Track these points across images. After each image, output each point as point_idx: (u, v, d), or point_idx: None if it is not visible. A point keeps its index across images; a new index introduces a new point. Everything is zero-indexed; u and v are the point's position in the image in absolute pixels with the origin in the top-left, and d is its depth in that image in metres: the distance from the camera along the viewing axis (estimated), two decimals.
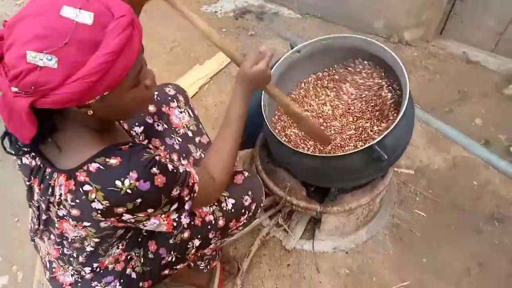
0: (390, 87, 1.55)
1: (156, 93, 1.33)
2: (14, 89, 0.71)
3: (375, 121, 1.49)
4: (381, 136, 1.27)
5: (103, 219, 0.87)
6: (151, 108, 1.31)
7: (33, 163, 0.93)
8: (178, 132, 1.34)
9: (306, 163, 1.36)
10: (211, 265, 1.39)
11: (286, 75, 1.56)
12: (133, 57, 0.76)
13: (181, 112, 1.36)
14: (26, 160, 0.95)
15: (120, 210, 0.85)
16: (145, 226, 0.96)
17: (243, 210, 1.20)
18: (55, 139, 0.85)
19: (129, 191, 0.82)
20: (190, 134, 1.36)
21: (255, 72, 1.06)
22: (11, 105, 0.72)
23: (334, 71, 1.66)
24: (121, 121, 1.18)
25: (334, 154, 1.37)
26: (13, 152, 0.89)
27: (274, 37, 2.71)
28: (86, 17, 0.70)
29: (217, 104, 2.32)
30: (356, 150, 1.31)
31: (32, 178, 0.94)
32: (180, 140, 1.33)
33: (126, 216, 0.87)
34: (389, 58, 1.45)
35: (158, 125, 1.31)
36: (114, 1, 0.76)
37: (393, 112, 1.49)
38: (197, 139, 1.37)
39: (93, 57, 0.70)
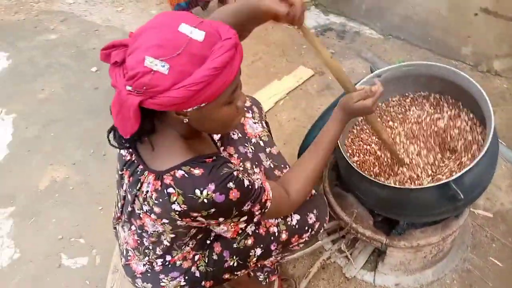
0: (473, 121, 1.48)
1: None
2: (128, 88, 0.82)
3: (455, 156, 1.43)
4: (459, 174, 1.22)
5: (179, 219, 0.96)
6: None
7: (128, 157, 1.05)
8: (251, 141, 1.41)
9: (376, 191, 1.35)
10: (269, 278, 1.44)
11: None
12: (232, 76, 0.85)
13: (255, 123, 1.44)
14: (124, 152, 1.08)
15: (195, 214, 0.94)
16: (214, 228, 1.05)
17: (306, 228, 1.24)
18: (151, 140, 0.96)
19: (205, 200, 0.91)
20: (261, 143, 1.42)
21: (360, 107, 1.14)
22: (122, 102, 0.84)
23: (413, 98, 1.62)
24: None
25: (406, 186, 1.33)
26: (116, 145, 1.02)
27: (354, 56, 2.70)
28: (198, 35, 0.81)
29: (290, 120, 2.36)
30: (430, 185, 1.27)
31: (125, 169, 1.07)
32: (253, 148, 1.39)
33: (200, 219, 0.97)
34: (475, 90, 1.39)
35: (233, 134, 1.39)
36: (223, 26, 0.87)
37: (475, 148, 1.42)
38: (267, 149, 1.42)
39: (199, 69, 0.80)
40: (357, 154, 1.54)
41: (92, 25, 3.27)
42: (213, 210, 0.93)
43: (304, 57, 2.73)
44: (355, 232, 1.54)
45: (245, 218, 1.01)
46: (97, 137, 2.40)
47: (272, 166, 1.38)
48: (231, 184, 0.93)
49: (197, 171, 0.92)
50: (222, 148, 1.38)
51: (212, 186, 0.91)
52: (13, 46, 3.13)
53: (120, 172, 1.10)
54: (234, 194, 0.93)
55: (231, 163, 0.98)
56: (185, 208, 0.92)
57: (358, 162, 1.51)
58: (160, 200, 0.95)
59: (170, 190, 0.92)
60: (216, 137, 1.37)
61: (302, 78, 2.58)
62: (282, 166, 1.40)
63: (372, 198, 1.39)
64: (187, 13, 0.88)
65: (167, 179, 0.93)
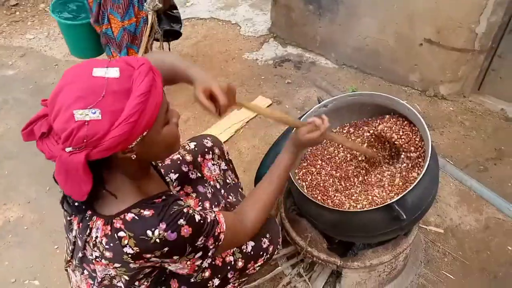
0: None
1: (194, 143, 1.45)
2: (68, 149, 0.82)
3: (399, 178, 1.50)
4: (400, 196, 1.28)
5: (132, 261, 0.96)
6: (188, 157, 1.41)
7: (76, 203, 1.03)
8: (209, 183, 1.43)
9: (326, 215, 1.40)
10: None
11: None
12: (160, 96, 0.88)
13: (213, 165, 1.46)
14: (70, 199, 1.06)
15: (148, 255, 0.94)
16: (169, 266, 1.04)
17: (261, 252, 1.27)
18: (102, 189, 0.95)
19: (158, 240, 0.91)
20: (218, 186, 1.46)
21: (309, 139, 1.22)
22: (67, 166, 0.82)
23: (358, 125, 1.70)
24: (158, 167, 1.30)
25: (352, 210, 1.38)
26: (71, 212, 1.03)
27: (310, 85, 2.80)
28: (113, 72, 0.84)
29: (250, 148, 2.40)
30: (373, 207, 1.33)
31: (74, 216, 1.05)
32: (212, 190, 1.42)
33: (154, 259, 0.96)
34: (413, 115, 1.48)
35: (192, 174, 1.41)
36: (131, 58, 0.90)
37: (418, 170, 1.49)
38: (222, 191, 1.46)
39: (128, 101, 0.82)
40: (307, 180, 1.58)
41: (51, 60, 3.26)
42: (166, 249, 0.93)
43: (263, 87, 2.82)
44: (311, 256, 1.56)
45: (200, 253, 1.02)
46: (53, 173, 2.35)
47: (228, 206, 1.41)
48: (182, 221, 0.94)
49: (147, 212, 0.93)
50: (179, 188, 1.39)
51: (163, 225, 0.91)
52: None
53: (68, 218, 1.09)
54: (186, 231, 0.94)
55: (181, 200, 0.99)
56: (137, 251, 0.92)
57: (308, 187, 1.55)
58: (111, 244, 0.94)
59: (121, 233, 0.92)
60: (174, 176, 1.38)
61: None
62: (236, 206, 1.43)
63: (321, 222, 1.43)
64: (92, 59, 0.89)
65: (117, 223, 0.93)
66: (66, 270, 1.30)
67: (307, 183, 1.56)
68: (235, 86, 1.12)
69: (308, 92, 2.74)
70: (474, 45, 2.34)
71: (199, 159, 1.43)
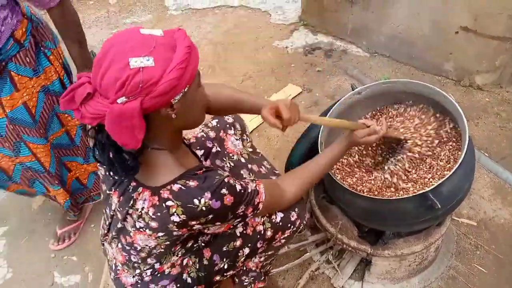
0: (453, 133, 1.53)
1: (216, 120, 1.50)
2: (120, 100, 0.87)
3: (436, 168, 1.48)
4: (435, 184, 1.27)
5: (177, 229, 1.02)
6: (211, 133, 1.46)
7: (117, 176, 1.08)
8: (232, 157, 1.47)
9: (359, 203, 1.40)
10: (255, 284, 1.47)
11: (344, 114, 1.62)
12: (197, 58, 0.95)
13: (236, 140, 1.50)
14: (111, 172, 1.10)
15: (193, 223, 1.01)
16: (209, 230, 1.11)
17: (289, 225, 1.32)
18: (144, 159, 1.01)
19: (204, 208, 0.98)
20: (243, 160, 1.49)
21: (364, 142, 1.31)
22: (120, 117, 0.87)
23: (393, 111, 1.68)
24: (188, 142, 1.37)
25: (386, 198, 1.38)
26: (111, 186, 1.10)
27: (341, 74, 2.78)
28: (157, 32, 0.92)
29: (279, 136, 2.42)
30: (408, 195, 1.32)
31: (113, 189, 1.11)
32: (232, 164, 1.45)
33: (197, 227, 1.03)
34: (450, 104, 1.45)
35: (214, 148, 1.46)
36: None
37: (452, 160, 1.47)
38: (249, 166, 1.49)
39: (176, 53, 0.90)
40: (340, 168, 1.59)
41: None
42: (211, 216, 1.00)
43: (292, 75, 2.81)
44: (341, 243, 1.57)
45: (239, 220, 1.09)
46: None
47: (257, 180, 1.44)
48: (224, 191, 1.00)
49: (192, 183, 0.99)
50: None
51: (208, 195, 0.98)
52: None
53: (108, 192, 1.14)
54: (228, 199, 1.01)
55: (220, 170, 1.05)
56: (184, 218, 0.99)
57: (340, 174, 1.56)
58: (158, 214, 1.00)
59: (169, 203, 0.98)
60: (200, 152, 1.43)
61: (290, 95, 2.65)
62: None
63: (353, 209, 1.44)
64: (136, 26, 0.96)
65: (165, 193, 0.99)
66: (103, 244, 1.37)
67: (339, 169, 1.57)
68: (297, 104, 1.22)
69: (339, 80, 2.72)
70: None
71: (221, 134, 1.48)
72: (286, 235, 1.33)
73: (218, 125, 1.48)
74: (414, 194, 1.30)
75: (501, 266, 1.70)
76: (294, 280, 1.74)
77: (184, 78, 0.90)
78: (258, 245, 1.29)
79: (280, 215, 1.30)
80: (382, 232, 1.55)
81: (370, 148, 1.62)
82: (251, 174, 1.45)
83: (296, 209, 1.33)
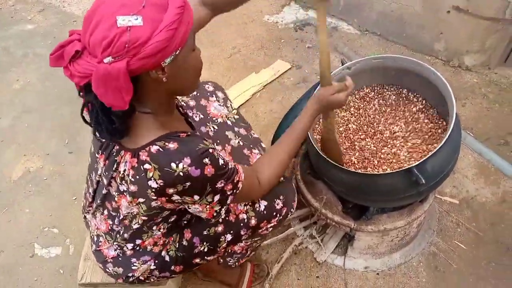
0: (437, 115, 1.53)
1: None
2: (107, 59, 0.82)
3: (420, 144, 1.48)
4: (421, 160, 1.27)
5: (155, 197, 0.98)
6: (191, 102, 1.42)
7: (103, 139, 1.05)
8: (215, 121, 1.43)
9: (344, 178, 1.39)
10: (239, 262, 1.47)
11: None
12: (190, 18, 0.90)
13: (220, 105, 1.46)
14: (98, 136, 1.06)
15: (171, 191, 0.96)
16: (189, 208, 1.06)
17: (274, 213, 1.28)
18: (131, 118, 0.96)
19: (181, 173, 0.93)
20: (229, 123, 1.46)
21: (334, 99, 1.21)
22: (106, 76, 0.82)
23: (381, 89, 1.67)
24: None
25: (371, 173, 1.38)
26: (98, 149, 1.06)
27: (331, 51, 2.74)
28: None
29: (266, 112, 2.39)
30: (394, 171, 1.32)
31: (100, 153, 1.07)
32: (216, 127, 1.41)
33: (175, 197, 0.98)
34: (439, 82, 1.44)
35: (196, 116, 1.42)
36: None
37: (439, 138, 1.47)
38: (236, 129, 1.46)
39: (167, 13, 0.84)
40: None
41: (70, 16, 3.24)
42: (188, 183, 0.95)
43: (282, 51, 2.76)
44: (325, 218, 1.58)
45: (218, 197, 1.03)
46: (72, 127, 2.38)
47: (241, 144, 1.41)
48: (206, 160, 0.95)
49: (171, 145, 0.94)
50: None
51: (188, 160, 0.93)
52: None
53: (96, 155, 1.11)
54: (209, 170, 0.96)
55: (206, 140, 1.01)
56: (161, 184, 0.94)
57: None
58: (137, 177, 0.96)
59: (147, 166, 0.94)
60: None
61: (279, 71, 2.60)
62: (252, 146, 1.43)
63: (338, 184, 1.43)
64: None
65: (143, 155, 0.94)
66: (85, 217, 1.34)
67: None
68: None
69: None
70: (505, 14, 2.24)
71: (202, 102, 1.44)
72: (272, 224, 1.30)
73: (198, 94, 1.45)
74: (399, 169, 1.29)
75: (480, 243, 1.73)
76: (278, 254, 1.75)
77: (174, 40, 0.85)
78: (242, 233, 1.26)
79: (263, 203, 1.27)
80: (366, 208, 1.55)
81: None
82: (237, 137, 1.42)
83: (282, 197, 1.29)
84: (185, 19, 0.87)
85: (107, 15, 0.82)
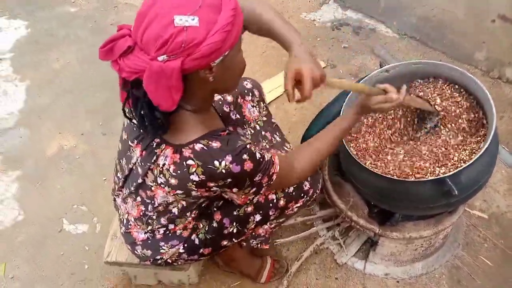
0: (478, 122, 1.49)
1: None
2: (161, 57, 0.84)
3: (456, 154, 1.44)
4: (456, 170, 1.24)
5: (195, 189, 1.02)
6: (229, 98, 1.44)
7: (142, 130, 1.06)
8: (250, 125, 1.46)
9: (373, 181, 1.38)
10: (262, 245, 1.50)
11: None
12: (241, 22, 0.92)
13: (253, 107, 1.48)
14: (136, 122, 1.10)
15: (211, 184, 1.00)
16: (226, 195, 1.12)
17: (302, 194, 1.32)
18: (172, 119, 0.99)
19: (223, 171, 0.97)
20: (257, 127, 1.48)
21: (377, 109, 1.23)
22: (159, 74, 0.84)
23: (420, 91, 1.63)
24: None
25: (402, 179, 1.36)
26: (133, 139, 1.10)
27: (367, 53, 2.70)
28: None
29: (297, 109, 2.38)
30: (426, 179, 1.30)
31: (136, 142, 1.10)
32: (252, 131, 1.45)
33: (215, 189, 1.03)
34: (480, 92, 1.41)
35: (233, 114, 1.44)
36: None
37: (476, 149, 1.43)
38: (263, 133, 1.48)
39: (221, 15, 0.86)
40: (356, 143, 1.56)
41: (111, 2, 3.30)
42: (229, 180, 0.99)
43: (317, 49, 2.74)
44: (349, 220, 1.57)
45: (255, 189, 1.07)
46: (107, 110, 2.45)
47: (268, 147, 1.44)
48: (245, 156, 0.98)
49: (215, 144, 0.97)
50: None
51: (229, 158, 0.96)
52: (32, 15, 3.18)
53: (130, 143, 1.13)
54: (248, 165, 0.99)
55: (243, 136, 1.04)
56: (203, 179, 0.98)
57: (357, 151, 1.53)
58: (179, 172, 0.99)
59: (190, 162, 0.97)
60: None
61: None
62: (276, 149, 1.45)
63: (367, 188, 1.42)
64: None
65: (186, 152, 0.98)
66: (114, 199, 1.38)
67: (356, 146, 1.54)
68: (324, 72, 1.10)
69: (364, 59, 2.64)
70: None
71: (239, 100, 1.45)
72: (299, 204, 1.34)
73: (236, 90, 1.45)
74: (433, 178, 1.27)
75: (507, 261, 1.68)
76: (298, 252, 1.75)
77: (227, 41, 0.87)
78: (270, 213, 1.29)
79: None
80: (391, 214, 1.53)
81: (393, 117, 1.56)
82: (263, 141, 1.44)
83: (309, 179, 1.32)
84: (237, 21, 0.88)
85: (163, 13, 0.83)
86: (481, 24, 2.40)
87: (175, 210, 1.15)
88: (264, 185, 1.08)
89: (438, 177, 1.26)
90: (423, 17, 2.66)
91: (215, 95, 1.43)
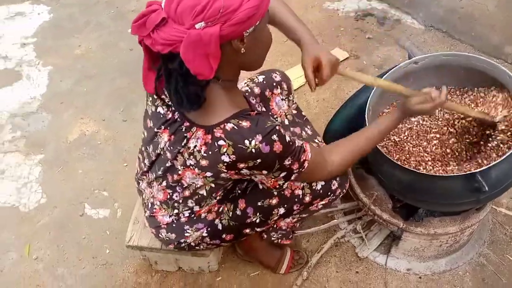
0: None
1: (262, 76, 1.45)
2: (199, 25, 0.85)
3: (486, 149, 1.40)
4: (487, 166, 1.21)
5: (225, 170, 1.02)
6: (256, 90, 1.41)
7: (170, 115, 1.08)
8: (276, 119, 1.43)
9: (398, 175, 1.35)
10: (282, 240, 1.49)
11: (398, 83, 1.53)
12: None
13: (282, 100, 1.45)
14: (161, 110, 1.10)
15: (241, 165, 1.00)
16: (256, 178, 1.11)
17: (329, 193, 1.30)
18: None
19: (253, 150, 0.97)
20: (286, 122, 1.45)
21: (419, 110, 1.19)
22: (196, 43, 0.84)
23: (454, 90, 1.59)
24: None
25: (430, 174, 1.32)
26: (160, 124, 1.10)
27: (391, 44, 2.64)
28: None
29: (319, 100, 2.35)
30: (455, 174, 1.27)
31: (163, 128, 1.10)
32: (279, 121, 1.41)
33: (244, 171, 1.02)
34: None
35: (259, 107, 1.41)
36: None
37: (507, 145, 1.38)
38: (291, 129, 1.45)
39: None
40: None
41: None
42: (259, 160, 0.98)
43: (341, 39, 2.70)
44: (373, 214, 1.54)
45: (284, 174, 1.06)
46: (128, 96, 2.46)
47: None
48: (275, 137, 0.98)
49: (245, 123, 0.97)
50: None
51: (259, 137, 0.96)
52: (55, 1, 3.20)
53: (156, 130, 1.13)
54: (277, 147, 0.99)
55: (273, 116, 1.02)
56: (234, 159, 0.98)
57: (384, 145, 1.50)
58: (210, 152, 0.99)
59: (221, 142, 0.97)
60: None
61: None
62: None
63: (393, 182, 1.39)
64: None
65: (218, 132, 0.97)
66: (138, 183, 1.38)
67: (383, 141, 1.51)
68: (339, 59, 1.18)
69: (389, 51, 2.59)
70: None
71: (267, 93, 1.43)
72: (324, 202, 1.32)
73: (265, 82, 1.44)
74: (462, 173, 1.24)
75: None
76: (318, 244, 1.73)
77: (260, 8, 0.89)
78: (295, 208, 1.28)
79: (321, 183, 1.27)
80: (416, 209, 1.50)
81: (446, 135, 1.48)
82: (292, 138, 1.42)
83: (338, 178, 1.30)
84: None
85: None
86: (511, 16, 2.32)
87: (203, 192, 1.15)
88: (295, 171, 1.07)
89: (468, 172, 1.22)
90: (450, 8, 2.58)
91: (244, 85, 1.42)
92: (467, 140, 1.44)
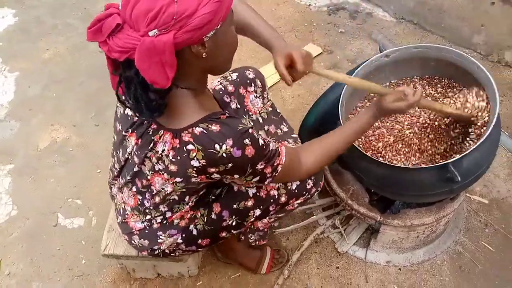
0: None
1: (236, 74, 1.42)
2: (152, 32, 0.81)
3: (456, 140, 1.42)
4: (458, 156, 1.22)
5: (195, 175, 0.99)
6: (230, 87, 1.39)
7: (136, 118, 1.04)
8: (251, 116, 1.41)
9: (374, 169, 1.35)
10: (259, 242, 1.48)
11: (370, 77, 1.54)
12: None
13: (256, 97, 1.43)
14: (129, 111, 1.07)
15: (212, 170, 0.97)
16: (226, 181, 1.09)
17: (304, 192, 1.28)
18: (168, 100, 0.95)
19: (224, 155, 0.94)
20: (260, 120, 1.44)
21: (394, 108, 1.17)
22: (151, 51, 0.81)
23: (421, 81, 1.60)
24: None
25: (403, 166, 1.33)
26: (127, 128, 1.07)
27: (364, 37, 2.65)
28: None
29: (294, 97, 2.34)
30: (428, 166, 1.27)
31: (130, 131, 1.07)
32: (251, 123, 1.39)
33: (215, 175, 0.99)
34: (483, 77, 1.37)
35: (233, 104, 1.39)
36: None
37: (477, 134, 1.40)
38: (266, 127, 1.44)
39: None
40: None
41: None
42: (230, 165, 0.96)
43: (314, 35, 2.69)
44: (350, 209, 1.54)
45: (257, 178, 1.04)
46: (99, 100, 2.39)
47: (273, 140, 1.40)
48: (247, 141, 0.95)
49: (214, 127, 0.94)
50: None
51: (230, 141, 0.93)
52: (20, 3, 3.10)
53: (124, 133, 1.10)
54: (249, 151, 0.96)
55: (245, 119, 1.01)
56: (204, 164, 0.95)
57: (358, 141, 1.50)
58: (178, 157, 0.96)
59: (190, 146, 0.94)
60: None
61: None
62: (283, 140, 1.41)
63: (369, 176, 1.39)
64: None
65: (186, 136, 0.94)
66: (110, 188, 1.35)
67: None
68: (311, 54, 1.17)
69: (361, 44, 2.60)
70: None
71: (241, 90, 1.41)
72: (300, 201, 1.31)
73: (238, 80, 1.41)
74: (435, 164, 1.24)
75: (508, 246, 1.68)
76: (298, 241, 1.73)
77: (218, 13, 0.84)
78: (271, 208, 1.26)
79: (296, 183, 1.26)
80: (392, 201, 1.51)
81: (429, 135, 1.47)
82: (267, 136, 1.40)
83: (313, 177, 1.29)
84: None
85: None
86: (480, 7, 2.36)
87: (174, 197, 1.12)
88: (268, 175, 1.05)
89: (440, 163, 1.23)
90: (421, 0, 2.61)
91: (217, 84, 1.39)
92: (442, 135, 1.45)
